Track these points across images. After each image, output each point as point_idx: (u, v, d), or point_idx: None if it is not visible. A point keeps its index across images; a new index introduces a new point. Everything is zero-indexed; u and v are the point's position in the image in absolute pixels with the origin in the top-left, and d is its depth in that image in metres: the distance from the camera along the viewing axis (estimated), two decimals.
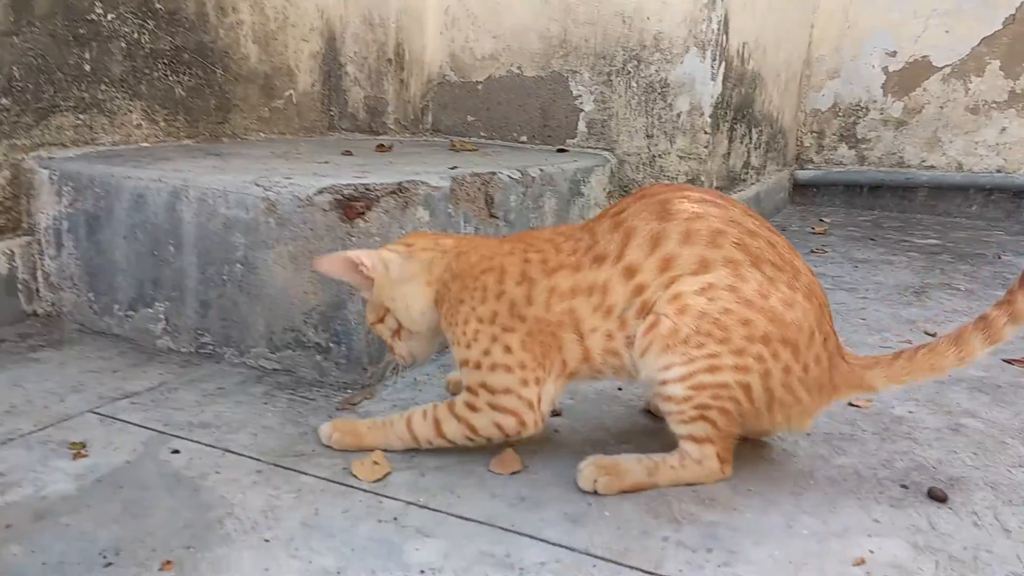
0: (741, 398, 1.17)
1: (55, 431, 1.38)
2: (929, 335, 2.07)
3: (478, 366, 1.25)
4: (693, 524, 1.14)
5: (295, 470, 1.26)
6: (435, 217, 1.77)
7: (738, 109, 3.06)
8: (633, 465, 1.24)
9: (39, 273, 1.97)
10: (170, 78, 2.35)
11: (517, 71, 2.94)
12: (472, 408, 1.26)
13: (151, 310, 1.80)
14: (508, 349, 1.23)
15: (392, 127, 3.08)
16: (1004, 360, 1.88)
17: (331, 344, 1.61)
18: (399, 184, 1.65)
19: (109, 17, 2.14)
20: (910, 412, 1.56)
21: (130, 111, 2.24)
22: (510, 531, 1.11)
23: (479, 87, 3.04)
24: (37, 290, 1.98)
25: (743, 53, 2.98)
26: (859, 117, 4.40)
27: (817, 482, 1.27)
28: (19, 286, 1.95)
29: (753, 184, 3.55)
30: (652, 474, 1.23)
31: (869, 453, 1.37)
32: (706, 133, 2.67)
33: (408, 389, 1.61)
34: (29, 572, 0.99)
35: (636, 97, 2.74)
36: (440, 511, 1.15)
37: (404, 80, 3.06)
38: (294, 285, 1.61)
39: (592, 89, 2.82)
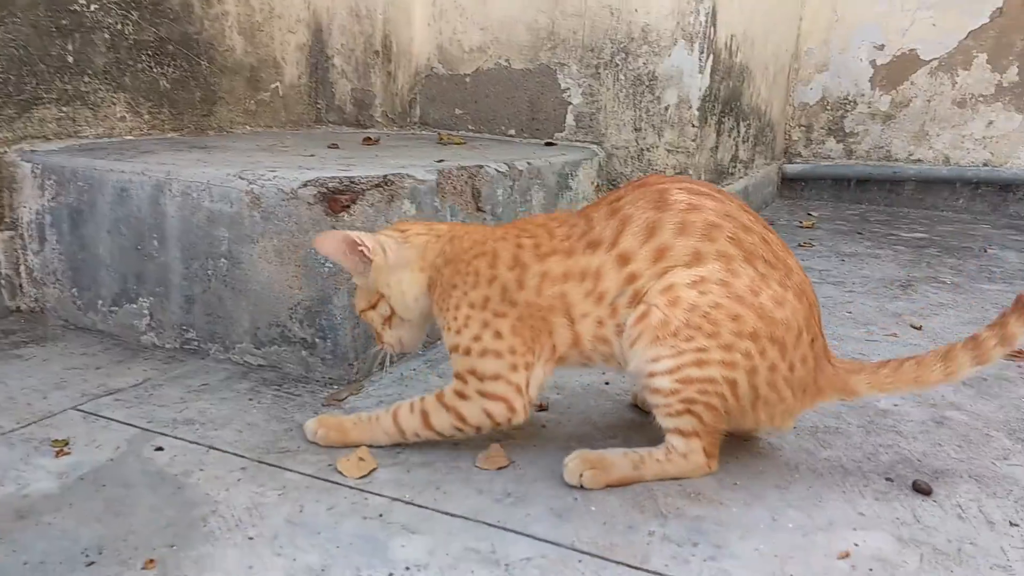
0: (727, 394, 1.17)
1: (38, 428, 1.37)
2: (915, 328, 2.08)
3: (468, 352, 1.25)
4: (679, 518, 1.14)
5: (280, 467, 1.25)
6: (421, 210, 1.76)
7: (726, 102, 3.05)
8: (619, 459, 1.23)
9: (22, 268, 1.95)
10: (154, 70, 2.33)
11: (505, 64, 2.93)
12: (461, 396, 1.26)
13: (135, 306, 1.79)
14: (498, 334, 1.23)
15: (380, 120, 3.07)
16: None
17: (317, 339, 1.60)
18: (384, 177, 1.64)
19: (92, 7, 2.11)
20: (895, 405, 1.56)
21: (114, 103, 2.21)
22: (496, 527, 1.10)
23: (467, 80, 3.02)
24: (20, 285, 1.96)
25: (731, 46, 2.98)
26: (847, 111, 4.41)
27: (802, 475, 1.27)
28: (2, 281, 1.93)
29: (741, 178, 3.55)
30: (638, 467, 1.23)
31: (854, 446, 1.38)
32: (694, 126, 2.67)
33: (395, 385, 1.61)
34: (11, 572, 0.98)
35: (624, 90, 2.74)
36: (426, 507, 1.15)
37: (391, 73, 3.04)
38: (279, 280, 1.60)
39: (580, 82, 2.81)
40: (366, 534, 1.08)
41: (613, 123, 2.78)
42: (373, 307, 1.34)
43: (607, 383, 1.64)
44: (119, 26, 2.19)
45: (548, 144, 2.81)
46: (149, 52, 2.30)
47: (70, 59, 2.07)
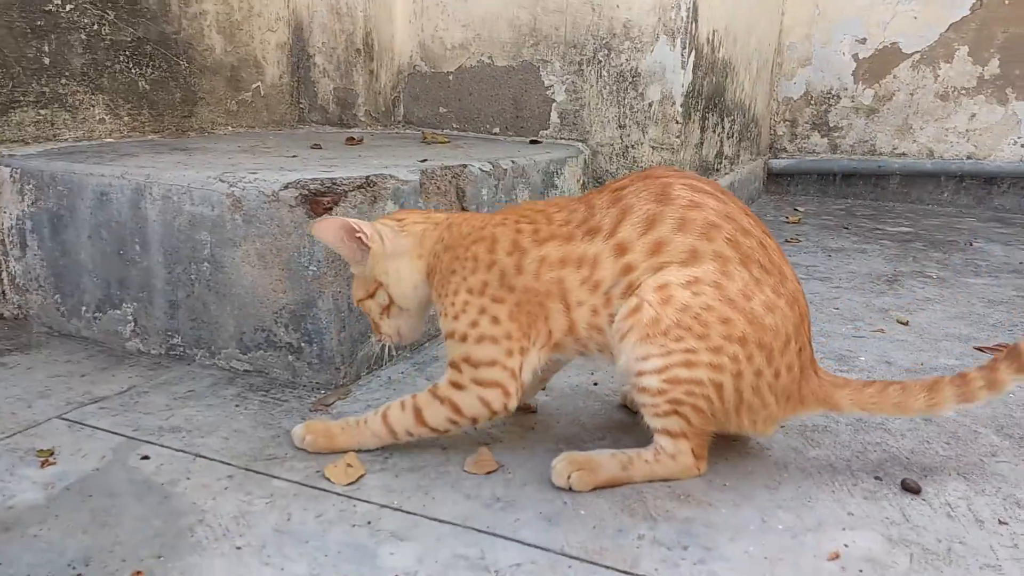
0: (713, 396, 1.17)
1: (22, 438, 1.35)
2: (902, 323, 2.08)
3: (464, 338, 1.24)
4: (668, 521, 1.13)
5: (267, 474, 1.24)
6: None
7: (710, 98, 3.05)
8: (607, 460, 1.23)
9: (4, 275, 1.93)
10: (133, 71, 2.30)
11: (488, 61, 2.92)
12: (457, 386, 1.25)
13: (119, 311, 1.77)
14: (496, 320, 1.23)
15: (363, 119, 3.05)
16: (976, 348, 1.90)
17: (303, 344, 1.58)
18: (367, 178, 1.63)
19: (67, 8, 2.09)
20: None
21: (92, 105, 2.19)
22: (485, 532, 1.10)
23: (450, 77, 3.01)
24: (3, 292, 1.94)
25: (713, 41, 2.98)
26: (831, 105, 4.42)
27: (791, 475, 1.27)
28: None
29: (727, 174, 3.56)
30: (626, 468, 1.22)
31: (843, 445, 1.38)
32: (678, 123, 2.67)
33: (382, 389, 1.60)
34: None
35: (607, 87, 2.73)
36: (414, 513, 1.14)
37: (374, 71, 3.02)
38: (263, 283, 1.59)
39: (564, 79, 2.80)
40: (355, 542, 1.07)
41: (597, 120, 2.77)
42: (371, 296, 1.34)
43: (595, 384, 1.63)
44: (95, 26, 2.17)
45: (533, 142, 2.80)
46: (127, 53, 2.27)
47: (46, 61, 2.04)
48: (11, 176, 1.85)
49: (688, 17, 2.60)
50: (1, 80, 1.93)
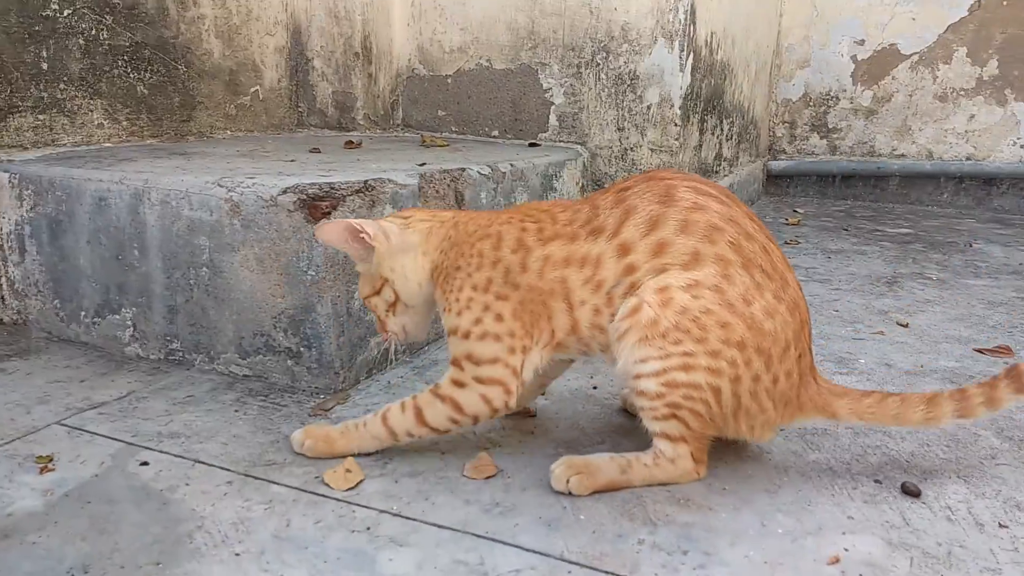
0: (711, 400, 1.17)
1: (22, 445, 1.35)
2: (901, 325, 2.08)
3: (467, 335, 1.24)
4: (668, 525, 1.13)
5: (266, 480, 1.24)
6: None
7: (708, 100, 3.05)
8: (606, 463, 1.23)
9: (3, 280, 1.93)
10: (131, 75, 2.30)
11: (486, 64, 2.92)
12: (458, 384, 1.25)
13: (118, 316, 1.77)
14: (499, 318, 1.23)
15: (362, 123, 3.05)
16: (976, 350, 1.90)
17: (302, 348, 1.58)
18: (365, 183, 1.63)
19: (65, 13, 2.09)
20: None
21: (91, 110, 2.19)
22: (484, 538, 1.10)
23: (449, 81, 3.01)
24: (2, 298, 1.94)
25: (711, 43, 2.98)
26: (830, 106, 4.42)
27: (791, 479, 1.27)
28: None
29: (726, 176, 3.56)
30: (625, 472, 1.22)
31: (842, 448, 1.38)
32: (676, 125, 2.67)
33: (382, 393, 1.59)
34: None
35: (606, 89, 2.73)
36: (414, 519, 1.14)
37: (372, 74, 3.03)
38: (262, 288, 1.59)
39: (562, 82, 2.80)
40: (354, 548, 1.07)
41: (596, 123, 2.77)
42: (377, 293, 1.34)
43: (595, 387, 1.63)
44: (93, 31, 2.17)
45: (532, 145, 2.80)
46: (125, 57, 2.27)
47: (45, 66, 2.04)
48: (10, 182, 1.85)
49: (686, 19, 2.60)
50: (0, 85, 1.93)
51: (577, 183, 2.65)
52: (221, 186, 1.60)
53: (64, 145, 2.12)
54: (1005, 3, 3.95)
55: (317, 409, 1.50)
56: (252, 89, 2.79)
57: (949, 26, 4.07)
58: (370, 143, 2.60)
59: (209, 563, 1.03)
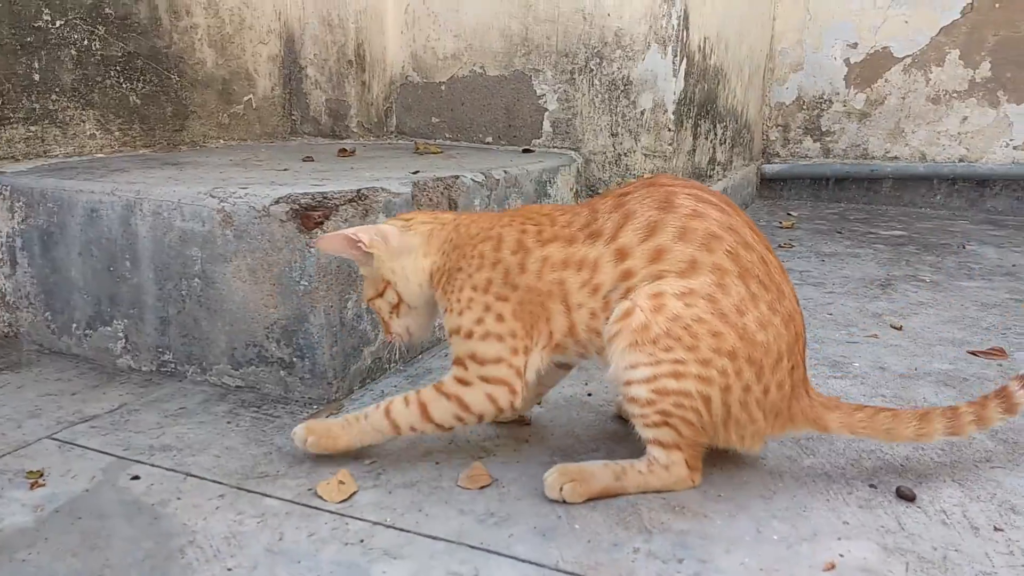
0: (702, 409, 1.17)
1: (12, 460, 1.34)
2: (895, 328, 2.08)
3: (469, 335, 1.25)
4: (663, 533, 1.13)
5: (259, 493, 1.23)
6: None
7: (702, 105, 3.06)
8: (600, 470, 1.22)
9: None
10: (123, 85, 2.30)
11: (480, 71, 2.92)
12: (463, 382, 1.25)
13: (110, 328, 1.76)
14: (500, 318, 1.24)
15: (355, 130, 3.05)
16: (969, 352, 1.89)
17: (295, 359, 1.58)
18: (358, 192, 1.63)
19: (57, 24, 2.08)
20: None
21: (83, 121, 2.18)
22: (479, 549, 1.09)
23: (442, 87, 3.01)
24: None
25: (704, 48, 2.98)
26: (823, 110, 4.43)
27: (786, 484, 1.27)
28: None
29: (720, 180, 3.56)
30: (620, 479, 1.22)
31: (837, 452, 1.37)
32: (670, 130, 2.67)
33: (375, 403, 1.58)
34: None
35: (599, 95, 2.73)
36: (407, 531, 1.13)
37: (366, 82, 3.02)
38: (254, 299, 1.58)
39: (556, 88, 2.80)
40: (347, 561, 1.06)
41: (590, 129, 2.77)
42: (380, 295, 1.35)
43: (589, 394, 1.63)
44: (86, 42, 2.16)
45: (526, 151, 2.80)
46: (117, 68, 2.27)
47: (36, 77, 2.04)
48: (1, 193, 1.84)
49: (679, 25, 2.61)
50: None
51: (571, 189, 2.65)
52: (213, 196, 1.59)
53: (56, 156, 2.11)
54: (997, 5, 3.96)
55: (310, 420, 1.49)
56: (245, 98, 2.79)
57: (942, 29, 4.08)
58: (364, 151, 2.60)
59: None
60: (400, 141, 3.08)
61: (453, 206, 1.92)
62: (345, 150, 2.52)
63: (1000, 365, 1.81)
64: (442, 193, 1.89)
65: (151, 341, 1.71)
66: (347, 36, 2.95)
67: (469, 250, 1.28)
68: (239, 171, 1.93)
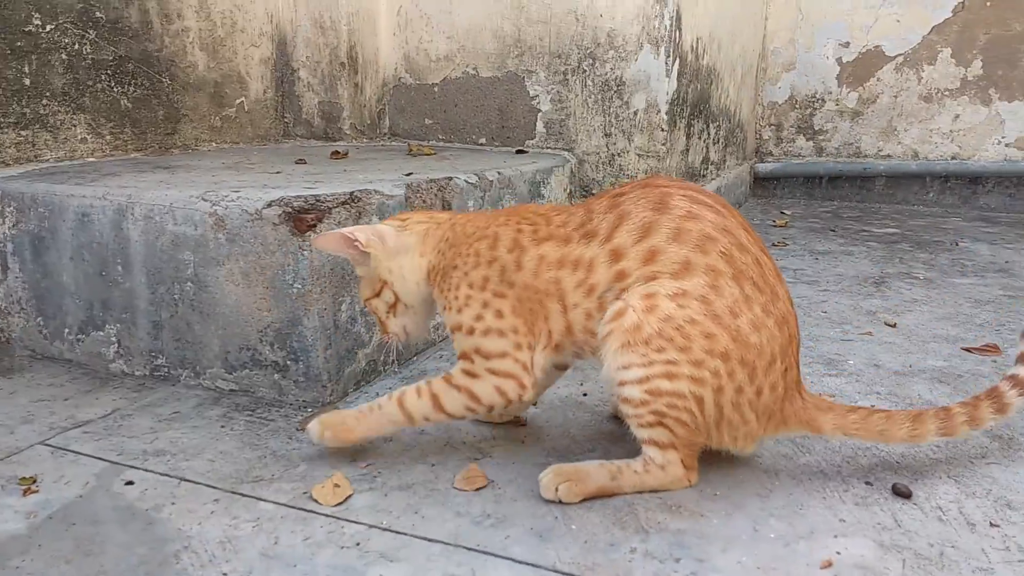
0: (695, 409, 1.16)
1: (4, 466, 1.33)
2: (889, 325, 2.08)
3: (471, 331, 1.25)
4: (660, 533, 1.12)
5: (254, 497, 1.23)
6: None
7: (695, 105, 3.06)
8: (595, 469, 1.22)
9: None
10: (115, 89, 2.29)
11: (473, 72, 2.92)
12: (471, 375, 1.26)
13: (102, 333, 1.75)
14: (500, 314, 1.24)
15: (348, 132, 3.04)
16: (963, 349, 1.90)
17: (288, 362, 1.57)
18: (351, 194, 1.62)
19: (48, 28, 2.07)
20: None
21: (74, 125, 2.17)
22: (476, 550, 1.09)
23: (435, 89, 3.01)
24: None
25: (697, 48, 2.98)
26: (815, 109, 4.44)
27: (783, 483, 1.27)
28: None
29: (713, 179, 3.56)
30: (616, 478, 1.22)
31: (833, 450, 1.37)
32: (663, 130, 2.67)
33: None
34: None
35: (592, 96, 2.73)
36: (403, 533, 1.13)
37: (359, 84, 3.02)
38: (247, 302, 1.57)
39: (549, 89, 2.80)
40: (343, 564, 1.05)
41: (583, 129, 2.77)
42: (377, 295, 1.36)
43: (585, 394, 1.63)
44: (76, 46, 2.15)
45: (519, 152, 2.80)
46: (108, 71, 2.26)
47: (27, 81, 2.03)
48: None
49: (672, 25, 2.61)
50: None
51: (565, 190, 2.65)
52: (205, 200, 1.59)
53: (47, 161, 2.10)
54: (988, 4, 3.97)
55: (305, 423, 1.48)
56: (237, 101, 2.78)
57: (933, 27, 4.09)
58: (357, 153, 2.59)
59: None
60: (393, 143, 3.08)
61: (447, 208, 1.92)
62: (338, 152, 2.51)
63: (994, 361, 1.82)
64: (436, 195, 1.89)
65: (144, 345, 1.70)
66: (339, 38, 2.94)
67: (465, 248, 1.29)
68: (231, 174, 1.92)
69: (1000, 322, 2.12)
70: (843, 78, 4.34)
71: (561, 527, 1.14)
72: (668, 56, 2.62)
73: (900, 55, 4.19)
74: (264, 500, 1.21)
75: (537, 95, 2.82)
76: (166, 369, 1.69)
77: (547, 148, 2.84)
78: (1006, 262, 2.88)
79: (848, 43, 4.28)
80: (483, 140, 2.96)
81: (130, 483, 1.27)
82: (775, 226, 3.67)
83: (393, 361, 1.76)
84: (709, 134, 3.39)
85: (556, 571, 1.04)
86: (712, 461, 1.29)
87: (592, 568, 1.04)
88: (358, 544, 1.10)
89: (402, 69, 3.05)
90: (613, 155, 2.74)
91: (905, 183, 4.32)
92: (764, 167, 4.54)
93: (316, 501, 1.20)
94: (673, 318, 1.14)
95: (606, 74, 2.70)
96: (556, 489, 1.20)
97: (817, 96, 4.41)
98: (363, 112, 3.06)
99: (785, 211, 4.12)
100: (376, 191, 1.69)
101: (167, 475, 1.29)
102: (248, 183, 1.73)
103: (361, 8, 2.95)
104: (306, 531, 1.13)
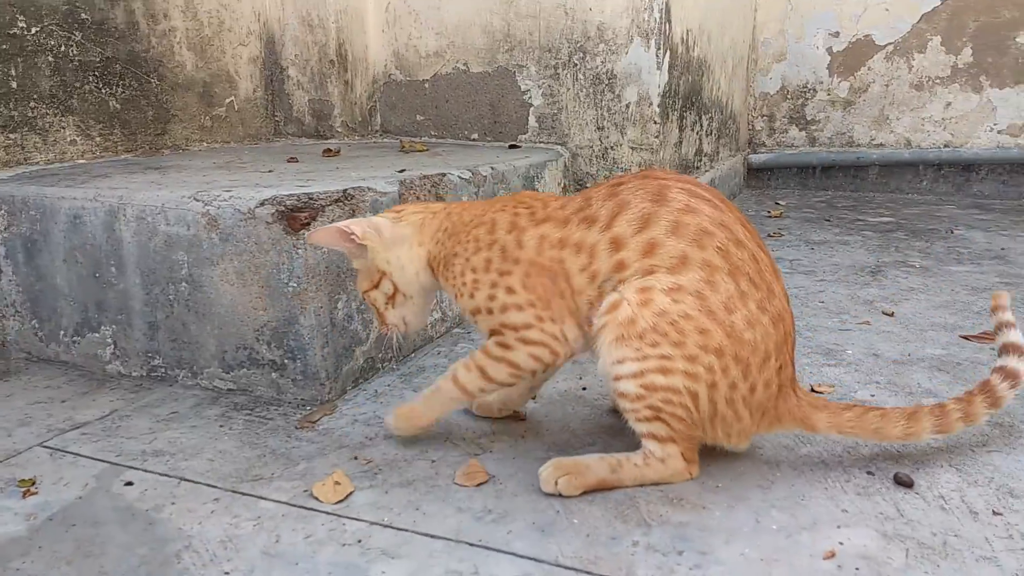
0: (689, 404, 1.16)
1: (3, 469, 1.32)
2: (887, 314, 2.08)
3: (490, 311, 1.26)
4: (662, 526, 1.12)
5: (254, 495, 1.22)
6: None
7: (687, 97, 3.05)
8: (595, 462, 1.22)
9: None
10: (103, 91, 2.27)
11: (463, 67, 2.91)
12: (505, 346, 1.26)
13: (98, 335, 1.74)
14: (510, 290, 1.24)
15: (340, 130, 3.03)
16: (962, 336, 1.90)
17: (286, 360, 1.56)
18: (344, 192, 1.61)
19: (33, 31, 2.06)
20: (872, 395, 1.56)
21: (63, 127, 2.16)
22: (478, 546, 1.08)
23: (426, 85, 2.99)
24: None
25: (687, 40, 2.98)
26: (807, 99, 4.44)
27: (784, 474, 1.26)
28: None
29: (707, 171, 3.56)
30: (616, 471, 1.21)
31: (834, 441, 1.37)
32: (656, 123, 2.66)
33: (369, 402, 1.57)
34: None
35: (584, 90, 2.73)
36: (405, 530, 1.12)
37: (349, 81, 3.00)
38: (243, 301, 1.57)
39: (540, 83, 2.79)
40: (345, 562, 1.05)
41: (576, 123, 2.76)
42: (375, 286, 1.36)
43: (584, 388, 1.62)
44: (63, 48, 2.14)
45: (512, 147, 2.79)
46: (96, 73, 2.24)
47: (14, 84, 2.01)
48: None
49: (661, 18, 2.60)
50: None
51: (559, 183, 2.64)
52: (197, 200, 1.58)
53: (37, 163, 2.09)
54: None
55: (304, 421, 1.48)
56: (227, 100, 2.76)
57: (923, 15, 4.10)
58: (349, 150, 2.58)
59: None
60: (385, 140, 3.06)
61: None
62: (330, 150, 2.50)
63: (992, 349, 1.81)
64: (429, 191, 1.88)
65: (140, 346, 1.69)
66: (328, 36, 2.93)
67: (464, 236, 1.29)
68: (223, 174, 1.91)
69: None
70: (834, 68, 4.34)
71: (563, 521, 1.14)
72: (659, 49, 2.62)
73: (890, 44, 4.19)
74: (265, 499, 1.21)
75: (528, 90, 2.82)
76: (163, 370, 1.68)
77: (540, 142, 2.83)
78: (1001, 249, 2.88)
79: (838, 33, 4.28)
80: (475, 135, 2.95)
81: (130, 484, 1.26)
82: (770, 217, 3.67)
83: (392, 357, 1.75)
84: (702, 126, 3.38)
85: (558, 565, 1.04)
86: (713, 454, 1.29)
87: (595, 562, 1.04)
88: (360, 541, 1.09)
89: (392, 66, 3.04)
90: (606, 148, 2.73)
91: (898, 172, 4.33)
92: (757, 158, 4.54)
93: (317, 499, 1.20)
94: (668, 313, 1.14)
95: (597, 67, 2.69)
96: (556, 482, 1.19)
97: (808, 86, 4.42)
98: (354, 109, 3.05)
99: (780, 202, 4.12)
100: (369, 188, 1.68)
101: (167, 475, 1.29)
102: (240, 182, 1.72)
103: (349, 6, 2.94)
104: (307, 529, 1.12)
